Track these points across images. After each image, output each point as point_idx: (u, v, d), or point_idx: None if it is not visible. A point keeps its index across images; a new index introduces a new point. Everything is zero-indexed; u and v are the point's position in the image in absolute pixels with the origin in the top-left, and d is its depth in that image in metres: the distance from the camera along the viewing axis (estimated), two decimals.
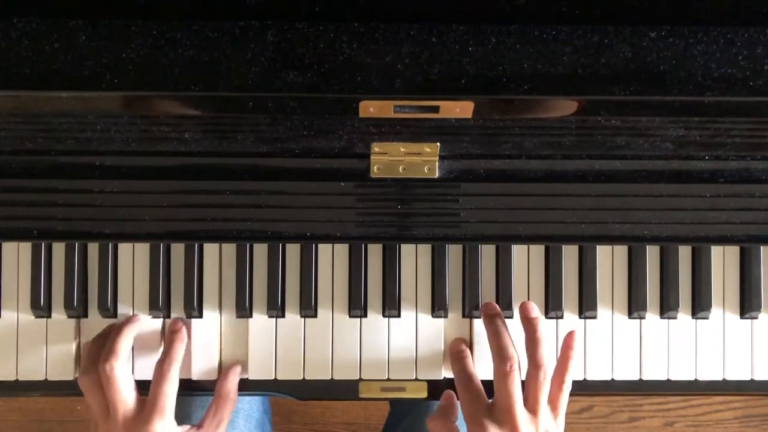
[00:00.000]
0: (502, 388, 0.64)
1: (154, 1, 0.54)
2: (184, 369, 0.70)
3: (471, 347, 0.71)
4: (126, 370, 0.65)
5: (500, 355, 0.65)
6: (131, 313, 0.71)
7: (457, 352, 0.70)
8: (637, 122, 0.60)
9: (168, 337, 0.70)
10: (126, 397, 0.64)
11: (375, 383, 0.71)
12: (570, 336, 0.68)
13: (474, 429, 0.64)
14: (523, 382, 0.65)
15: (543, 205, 0.66)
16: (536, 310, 0.68)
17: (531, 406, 0.64)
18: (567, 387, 0.66)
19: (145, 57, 0.54)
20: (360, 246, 0.71)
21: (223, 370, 0.71)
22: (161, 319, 0.71)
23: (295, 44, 0.54)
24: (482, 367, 0.71)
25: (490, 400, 0.66)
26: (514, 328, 0.69)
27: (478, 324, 0.71)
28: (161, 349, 0.71)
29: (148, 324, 0.71)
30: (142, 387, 0.67)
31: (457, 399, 0.69)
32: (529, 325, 0.67)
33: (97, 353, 0.66)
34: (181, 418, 0.69)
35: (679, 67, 0.54)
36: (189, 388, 0.71)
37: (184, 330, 0.70)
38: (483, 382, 0.68)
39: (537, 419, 0.63)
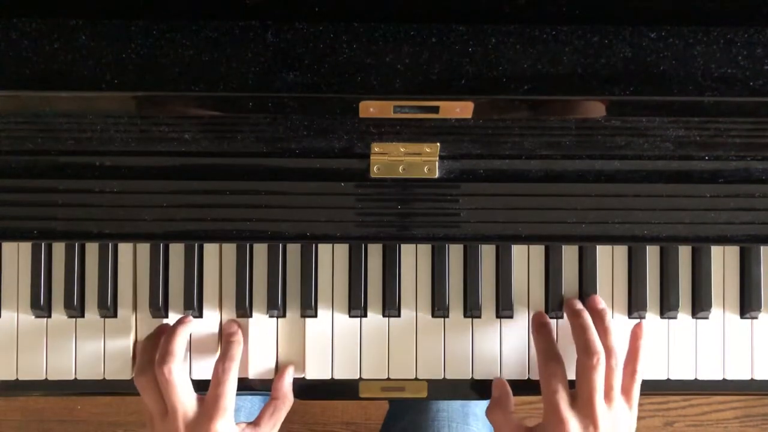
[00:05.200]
0: (585, 381, 0.65)
1: (154, 1, 0.54)
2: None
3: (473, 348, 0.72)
4: (183, 372, 0.66)
5: (587, 348, 0.66)
6: (132, 314, 0.71)
7: (540, 325, 0.71)
8: (637, 122, 0.60)
9: (225, 338, 0.70)
10: (185, 398, 0.65)
11: (375, 383, 0.71)
12: (639, 326, 0.70)
13: (553, 417, 0.65)
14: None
15: (543, 205, 0.66)
16: (603, 303, 0.70)
17: (607, 393, 0.65)
18: (639, 376, 0.68)
19: (145, 57, 0.54)
20: (360, 246, 0.71)
21: (278, 370, 0.71)
22: (217, 321, 0.72)
23: (295, 44, 0.54)
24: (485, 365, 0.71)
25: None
26: (513, 327, 0.69)
27: (477, 323, 0.71)
28: (217, 350, 0.71)
29: (202, 325, 0.72)
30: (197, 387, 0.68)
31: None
32: (598, 316, 0.68)
33: (152, 353, 0.67)
34: None
35: (679, 67, 0.54)
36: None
37: (240, 332, 0.71)
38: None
39: (611, 408, 0.65)
